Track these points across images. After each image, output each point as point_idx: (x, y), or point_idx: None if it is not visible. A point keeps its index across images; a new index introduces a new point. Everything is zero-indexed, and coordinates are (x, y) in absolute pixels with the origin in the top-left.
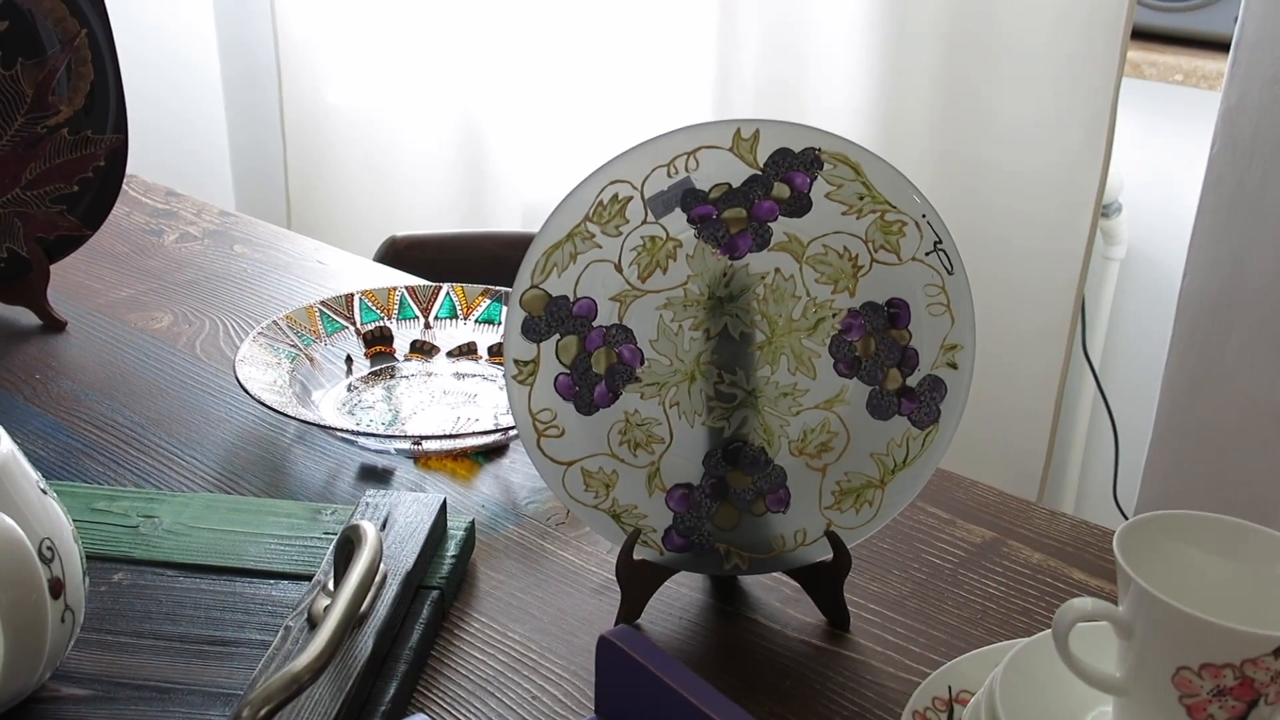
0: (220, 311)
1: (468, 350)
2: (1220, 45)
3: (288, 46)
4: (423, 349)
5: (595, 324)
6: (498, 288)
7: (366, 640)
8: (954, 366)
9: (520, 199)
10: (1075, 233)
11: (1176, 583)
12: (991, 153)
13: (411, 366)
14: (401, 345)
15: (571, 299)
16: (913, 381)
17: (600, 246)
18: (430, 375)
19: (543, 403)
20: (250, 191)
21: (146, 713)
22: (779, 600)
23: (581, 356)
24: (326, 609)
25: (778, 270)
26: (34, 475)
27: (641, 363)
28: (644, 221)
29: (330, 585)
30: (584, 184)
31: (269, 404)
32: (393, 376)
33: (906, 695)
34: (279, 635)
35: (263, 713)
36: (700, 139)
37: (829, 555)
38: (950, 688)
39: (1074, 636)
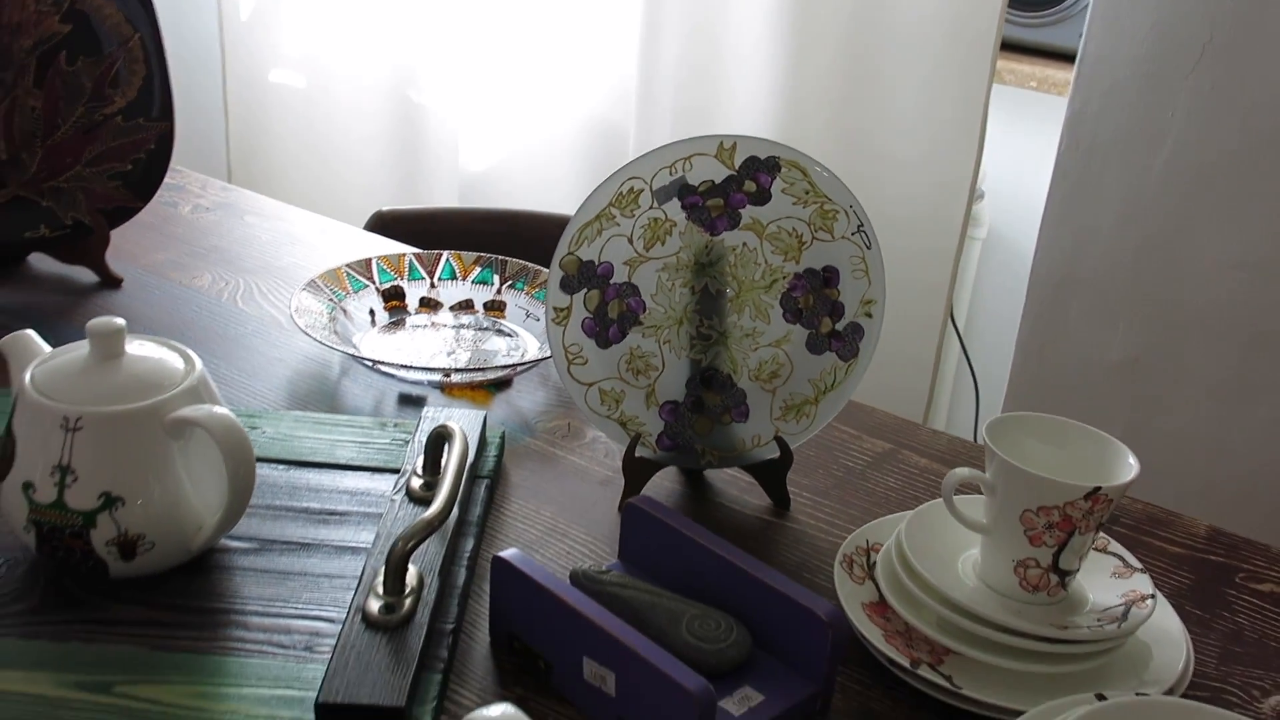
0: (247, 273)
1: (466, 305)
2: (1071, 57)
3: (232, 27)
4: (430, 304)
5: (612, 281)
6: (489, 255)
7: (454, 508)
8: (869, 316)
9: (456, 175)
10: (952, 214)
11: (1021, 457)
12: (882, 145)
13: (421, 319)
14: (412, 301)
15: (596, 263)
16: (840, 326)
17: (619, 225)
18: (437, 325)
19: (572, 339)
20: (193, 166)
21: (293, 560)
22: (737, 490)
23: (601, 305)
24: (439, 480)
25: (744, 244)
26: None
27: (644, 310)
28: (650, 207)
29: (419, 469)
30: (610, 179)
31: (332, 345)
32: (407, 326)
33: (835, 551)
34: (388, 507)
35: (410, 544)
36: (694, 148)
37: (776, 454)
38: (868, 540)
39: (956, 503)
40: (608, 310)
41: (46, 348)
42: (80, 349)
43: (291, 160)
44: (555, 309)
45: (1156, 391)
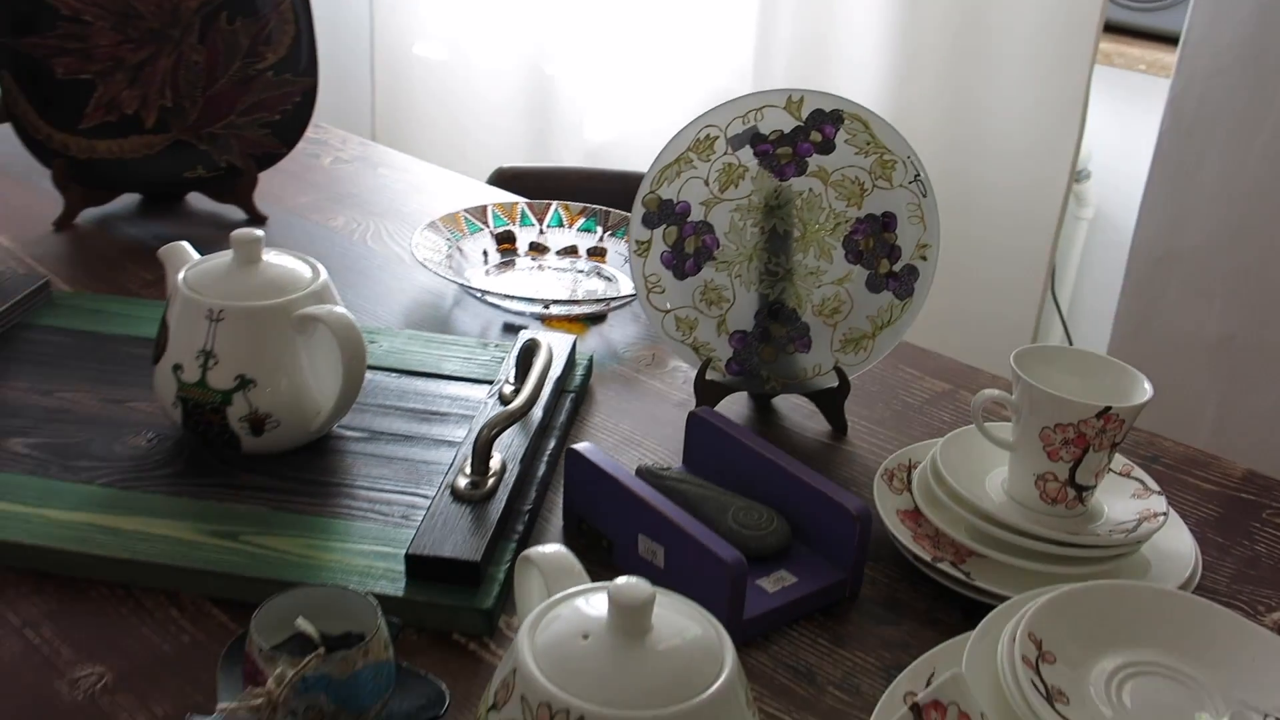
0: (377, 216)
1: (571, 251)
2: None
3: (381, 4)
4: (538, 248)
5: (689, 220)
6: (593, 206)
7: (539, 410)
8: (924, 259)
9: (581, 144)
10: (1053, 189)
11: (1045, 383)
12: (985, 122)
13: (529, 261)
14: (522, 245)
15: (675, 202)
16: (897, 268)
17: (696, 168)
18: (544, 267)
19: (652, 270)
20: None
21: (397, 449)
22: (800, 416)
23: (679, 240)
24: (523, 379)
25: (810, 190)
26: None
27: (718, 247)
28: (725, 153)
29: (510, 379)
30: (688, 127)
31: (446, 276)
32: (516, 266)
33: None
34: (480, 407)
35: (495, 430)
36: (765, 100)
37: (835, 383)
38: (910, 459)
39: (988, 428)
40: (684, 245)
41: (197, 256)
42: (225, 256)
43: (430, 124)
44: (637, 242)
45: (1251, 369)
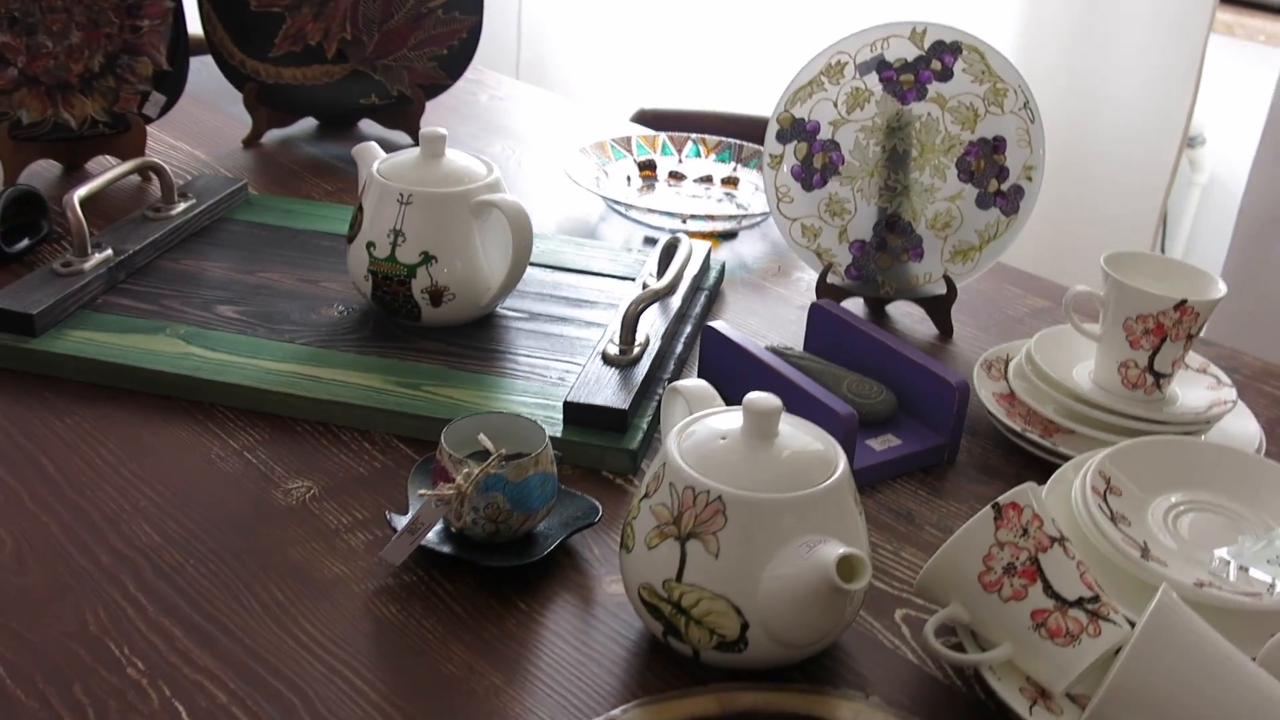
0: (529, 146)
1: (706, 179)
2: None
3: None
4: (676, 176)
5: (818, 138)
6: (729, 139)
7: (678, 299)
8: (1030, 180)
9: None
10: (1164, 158)
11: (1131, 281)
12: (1103, 90)
13: (667, 186)
14: (662, 173)
15: (806, 120)
16: (1005, 187)
17: (826, 91)
18: (680, 193)
19: (783, 181)
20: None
21: (554, 327)
22: (911, 321)
23: (808, 156)
24: (669, 265)
25: (929, 114)
26: None
27: (843, 164)
28: (853, 78)
29: (653, 272)
30: (820, 54)
31: (593, 190)
32: (656, 190)
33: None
34: (625, 298)
35: (641, 306)
36: (891, 31)
37: (944, 290)
38: (1007, 353)
39: (1076, 320)
40: (813, 160)
41: (384, 154)
42: (413, 152)
43: (571, 66)
44: (771, 155)
45: None
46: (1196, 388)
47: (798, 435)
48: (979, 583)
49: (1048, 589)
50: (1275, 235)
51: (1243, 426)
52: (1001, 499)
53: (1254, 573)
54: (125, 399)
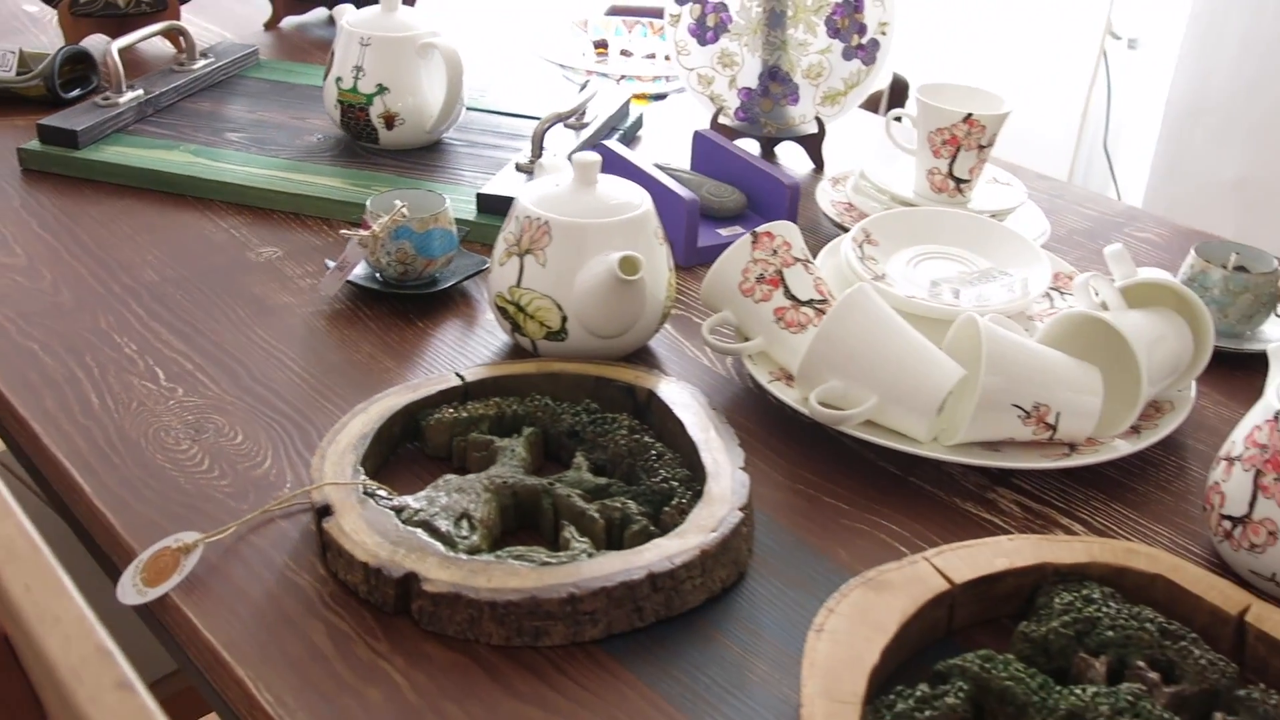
0: (506, 29)
1: (651, 55)
2: None
3: None
4: (626, 53)
5: (710, 1)
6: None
7: (589, 132)
8: (884, 34)
9: None
10: (1086, 58)
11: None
12: None
13: (620, 59)
14: (614, 50)
15: None
16: (864, 41)
17: None
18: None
19: (681, 37)
20: None
21: (489, 152)
22: (789, 161)
23: (701, 16)
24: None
25: None
26: None
27: (731, 22)
28: None
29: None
30: None
31: (546, 57)
32: (607, 63)
33: None
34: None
35: (546, 125)
36: None
37: (815, 130)
38: (862, 170)
39: (895, 138)
40: (706, 20)
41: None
42: (376, 8)
43: None
44: (670, 15)
45: (1266, 207)
46: (996, 194)
47: (619, 190)
48: (739, 290)
49: (787, 293)
50: (1196, 124)
51: (1035, 221)
52: (758, 229)
53: (962, 295)
54: (144, 194)
